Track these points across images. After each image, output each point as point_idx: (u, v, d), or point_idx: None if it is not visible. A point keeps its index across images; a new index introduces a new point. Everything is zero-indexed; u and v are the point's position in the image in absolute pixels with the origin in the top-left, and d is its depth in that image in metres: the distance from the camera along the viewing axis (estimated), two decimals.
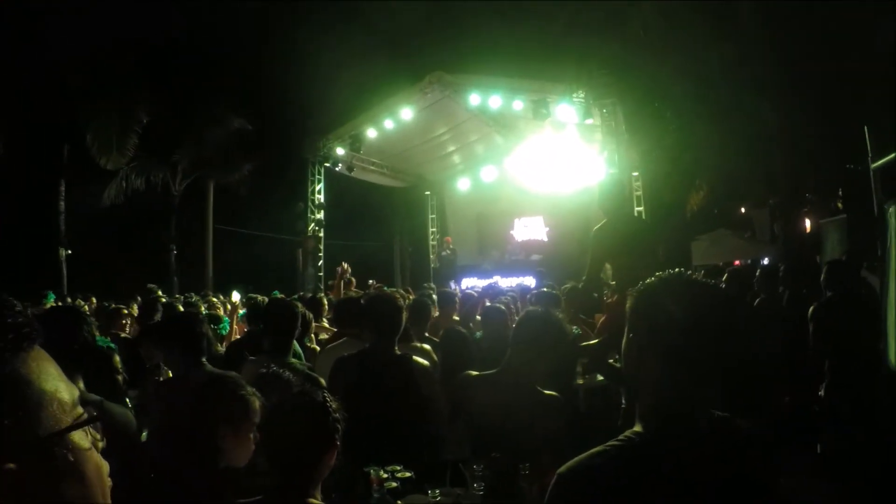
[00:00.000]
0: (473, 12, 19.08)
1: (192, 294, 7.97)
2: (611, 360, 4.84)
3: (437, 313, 6.53)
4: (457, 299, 7.04)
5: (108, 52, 18.49)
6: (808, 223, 12.95)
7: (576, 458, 1.51)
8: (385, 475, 2.70)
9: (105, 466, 1.00)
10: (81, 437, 0.95)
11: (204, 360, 3.61)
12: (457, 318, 6.64)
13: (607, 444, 1.51)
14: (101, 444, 1.01)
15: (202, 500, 2.36)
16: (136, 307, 6.77)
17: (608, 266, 5.64)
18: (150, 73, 19.33)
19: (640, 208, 13.76)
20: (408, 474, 2.74)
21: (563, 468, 1.50)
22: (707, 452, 1.47)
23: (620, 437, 1.52)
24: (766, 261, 13.63)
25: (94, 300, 7.67)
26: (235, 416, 2.43)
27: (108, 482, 1.00)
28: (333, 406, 2.21)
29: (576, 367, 5.13)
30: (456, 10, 18.95)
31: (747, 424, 1.58)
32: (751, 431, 1.58)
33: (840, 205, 11.15)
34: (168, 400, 3.29)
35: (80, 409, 0.97)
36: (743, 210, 19.20)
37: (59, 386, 0.95)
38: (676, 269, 1.62)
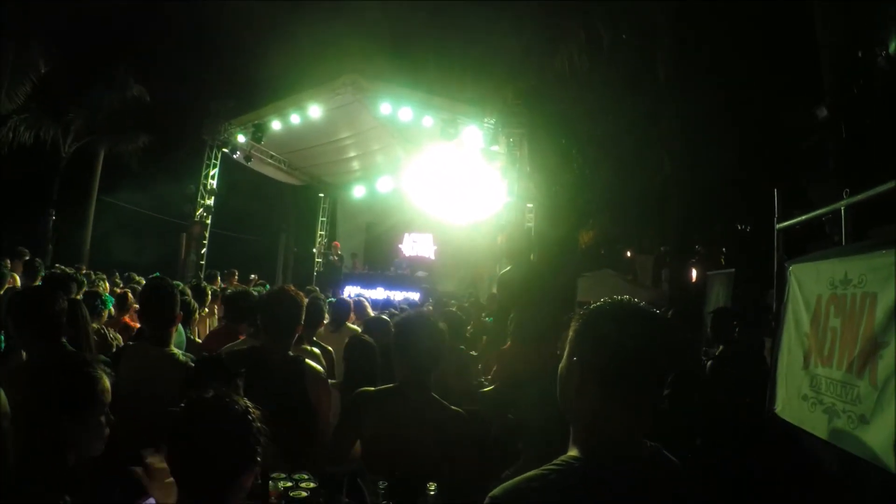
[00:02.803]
0: (401, 22, 19.01)
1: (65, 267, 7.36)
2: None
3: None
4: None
5: None
6: (694, 273, 13.67)
7: (511, 481, 1.46)
8: (289, 484, 2.53)
9: None
10: None
11: (63, 340, 3.26)
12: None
13: (543, 468, 1.47)
14: None
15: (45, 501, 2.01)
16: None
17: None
18: (52, 20, 17.98)
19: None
20: (312, 485, 2.57)
21: (496, 491, 1.45)
22: (646, 480, 1.47)
23: (557, 461, 1.49)
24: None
25: None
26: (79, 400, 2.13)
27: None
28: (255, 415, 1.83)
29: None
30: (383, 17, 18.82)
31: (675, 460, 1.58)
32: (679, 466, 1.57)
33: (723, 260, 11.87)
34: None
35: None
36: (629, 254, 20.02)
37: None
38: (625, 296, 1.60)
